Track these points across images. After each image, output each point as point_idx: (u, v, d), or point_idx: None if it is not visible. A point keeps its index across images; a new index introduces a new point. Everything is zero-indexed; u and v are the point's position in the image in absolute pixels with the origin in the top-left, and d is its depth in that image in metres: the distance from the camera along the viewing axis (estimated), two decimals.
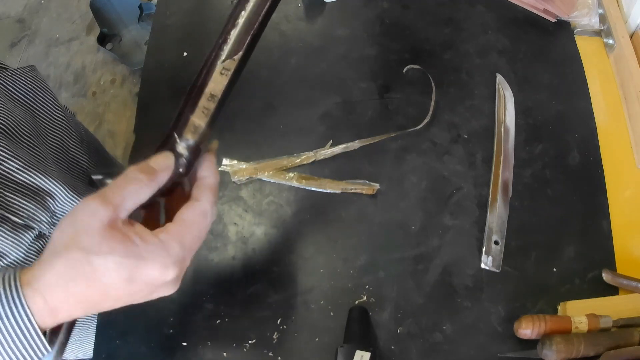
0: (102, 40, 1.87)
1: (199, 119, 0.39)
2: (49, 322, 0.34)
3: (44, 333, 0.34)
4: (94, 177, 0.38)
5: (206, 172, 0.40)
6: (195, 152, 0.39)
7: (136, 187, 0.35)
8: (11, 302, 0.33)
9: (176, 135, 0.39)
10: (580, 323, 0.53)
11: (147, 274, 0.34)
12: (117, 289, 0.34)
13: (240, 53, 0.39)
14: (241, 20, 0.38)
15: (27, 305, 0.33)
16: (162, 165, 0.37)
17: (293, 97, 0.72)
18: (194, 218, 0.37)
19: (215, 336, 0.57)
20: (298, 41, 0.76)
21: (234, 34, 0.38)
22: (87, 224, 0.34)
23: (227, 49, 0.39)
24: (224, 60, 0.39)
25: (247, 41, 0.38)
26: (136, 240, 0.34)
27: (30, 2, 2.05)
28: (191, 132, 0.39)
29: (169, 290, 0.37)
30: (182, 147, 0.39)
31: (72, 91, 1.84)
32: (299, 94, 0.72)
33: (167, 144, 0.39)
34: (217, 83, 0.39)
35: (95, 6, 1.81)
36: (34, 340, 0.34)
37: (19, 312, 0.33)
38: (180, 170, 0.39)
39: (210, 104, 0.39)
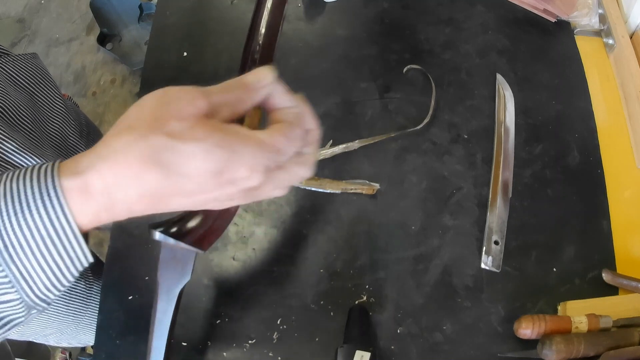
0: (102, 40, 1.87)
1: None
2: (104, 217, 0.30)
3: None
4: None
5: (290, 102, 0.35)
6: None
7: (237, 96, 0.32)
8: (45, 196, 0.28)
9: None
10: (580, 323, 0.53)
11: (236, 169, 0.30)
12: (197, 182, 0.29)
13: None
14: (258, 56, 0.39)
15: (66, 201, 0.29)
16: (264, 82, 0.33)
17: None
18: (293, 129, 0.33)
19: (215, 336, 0.57)
20: (298, 41, 0.76)
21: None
22: (180, 108, 0.29)
23: None
24: None
25: None
26: (232, 132, 0.30)
27: (30, 2, 2.04)
28: None
29: (243, 199, 0.33)
30: None
31: (72, 91, 1.84)
32: (299, 94, 0.72)
33: None
34: (252, 117, 0.39)
35: (95, 6, 1.81)
36: (70, 243, 0.30)
37: (55, 209, 0.29)
38: None
39: None
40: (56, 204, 0.28)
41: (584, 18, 0.76)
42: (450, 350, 0.56)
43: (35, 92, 0.63)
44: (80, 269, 0.31)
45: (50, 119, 0.65)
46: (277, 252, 0.62)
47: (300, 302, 0.58)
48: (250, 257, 0.61)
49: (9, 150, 0.53)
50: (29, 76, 0.63)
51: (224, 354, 0.56)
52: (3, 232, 0.28)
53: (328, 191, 0.64)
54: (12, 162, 0.54)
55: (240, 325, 0.58)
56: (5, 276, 0.29)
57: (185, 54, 0.76)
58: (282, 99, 0.35)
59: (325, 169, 0.66)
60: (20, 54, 0.64)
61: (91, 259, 0.31)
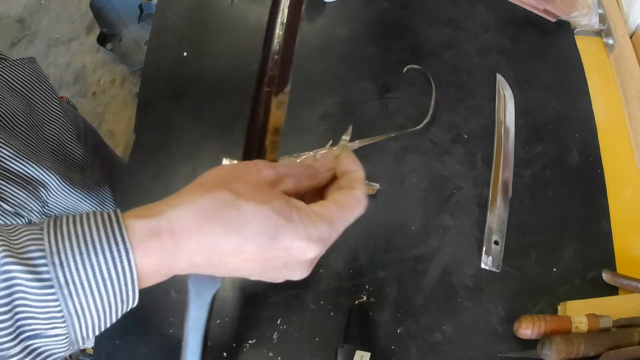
0: (102, 40, 1.87)
1: (271, 154, 0.41)
2: (165, 266, 0.32)
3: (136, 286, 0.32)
4: None
5: (353, 166, 0.39)
6: None
7: (299, 173, 0.36)
8: (112, 239, 0.30)
9: None
10: (580, 323, 0.53)
11: (290, 239, 0.32)
12: (254, 244, 0.32)
13: (289, 85, 0.40)
14: (278, 57, 0.40)
15: (131, 246, 0.30)
16: (326, 169, 0.39)
17: (293, 97, 0.71)
18: (349, 202, 0.37)
19: (215, 336, 0.57)
20: (298, 41, 0.76)
21: (277, 70, 0.40)
22: (247, 174, 0.33)
23: (275, 84, 0.40)
24: (276, 96, 0.40)
25: (291, 72, 0.40)
26: (291, 203, 0.33)
27: (30, 2, 2.04)
28: None
29: (299, 273, 0.37)
30: None
31: (72, 91, 1.84)
32: (299, 94, 0.72)
33: None
34: (277, 117, 0.41)
35: (95, 6, 1.81)
36: (126, 285, 0.31)
37: (119, 252, 0.30)
38: None
39: (276, 137, 0.41)
40: (122, 247, 0.30)
41: (584, 18, 0.76)
42: (450, 350, 0.56)
43: (32, 98, 0.63)
44: (123, 312, 0.32)
45: (47, 124, 0.65)
46: None
47: (300, 302, 0.58)
48: None
49: (5, 156, 0.53)
50: (26, 81, 0.62)
51: (224, 354, 0.56)
52: (66, 269, 0.29)
53: None
54: (9, 168, 0.54)
55: (240, 325, 0.58)
56: (60, 311, 0.30)
57: (185, 53, 0.76)
58: (347, 163, 0.39)
59: None
60: (17, 58, 0.63)
61: (135, 304, 0.32)
